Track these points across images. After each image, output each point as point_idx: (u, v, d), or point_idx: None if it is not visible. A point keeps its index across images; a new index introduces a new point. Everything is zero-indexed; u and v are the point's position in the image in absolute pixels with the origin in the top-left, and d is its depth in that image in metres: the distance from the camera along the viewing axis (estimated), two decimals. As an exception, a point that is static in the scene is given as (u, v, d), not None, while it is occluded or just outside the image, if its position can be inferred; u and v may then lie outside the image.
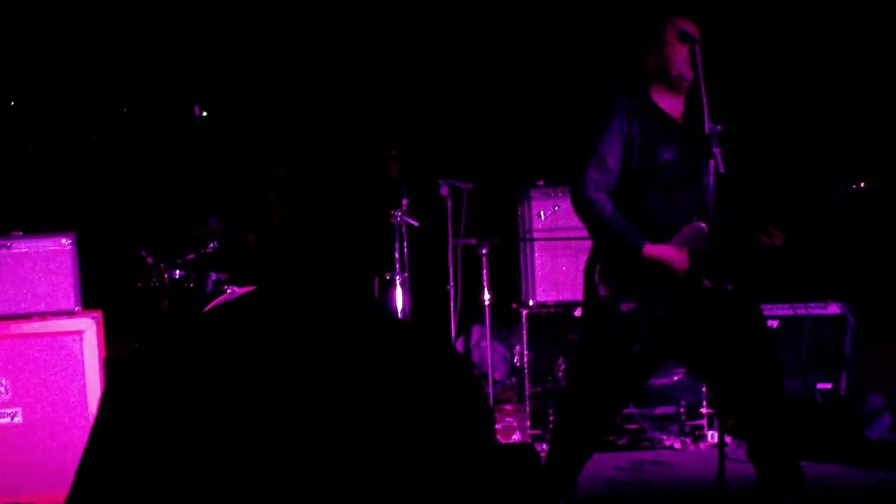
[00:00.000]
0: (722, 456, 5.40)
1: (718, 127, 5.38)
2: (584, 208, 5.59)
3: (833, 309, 7.88)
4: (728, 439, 7.17)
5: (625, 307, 5.53)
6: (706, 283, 5.45)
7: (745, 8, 8.77)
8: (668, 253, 5.47)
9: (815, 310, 7.88)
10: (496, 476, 2.30)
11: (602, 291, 5.58)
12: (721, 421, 5.81)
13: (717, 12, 7.57)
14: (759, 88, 8.65)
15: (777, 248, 5.46)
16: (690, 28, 5.55)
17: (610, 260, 5.59)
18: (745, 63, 8.47)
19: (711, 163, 5.34)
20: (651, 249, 5.45)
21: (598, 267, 5.62)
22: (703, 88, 5.38)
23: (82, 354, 6.68)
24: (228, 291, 7.79)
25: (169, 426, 2.15)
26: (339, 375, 2.20)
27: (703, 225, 5.46)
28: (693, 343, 5.60)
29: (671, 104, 5.65)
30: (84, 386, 6.67)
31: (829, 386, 7.81)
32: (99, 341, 6.77)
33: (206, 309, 7.43)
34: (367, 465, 2.17)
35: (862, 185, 5.39)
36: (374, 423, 2.18)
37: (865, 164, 7.71)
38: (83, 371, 6.68)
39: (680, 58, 5.52)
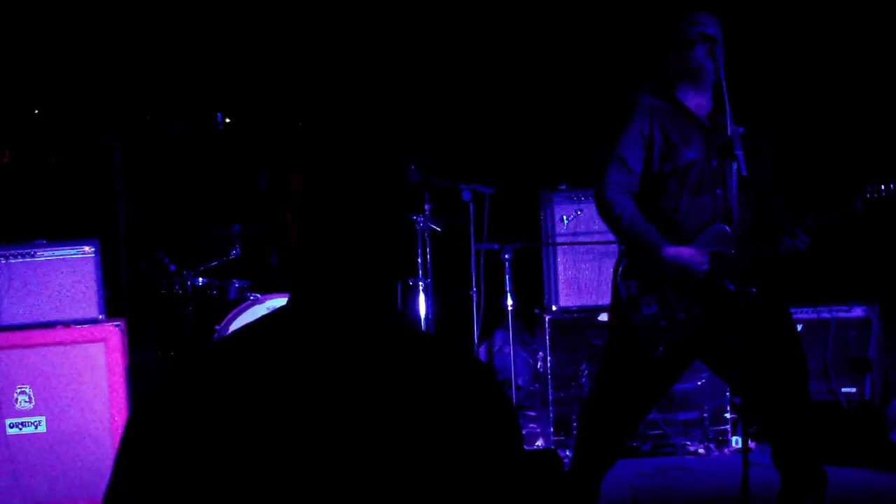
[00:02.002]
0: (746, 461, 5.38)
1: (741, 129, 5.39)
2: (606, 210, 5.60)
3: (857, 312, 7.84)
4: (752, 444, 7.14)
5: (647, 309, 5.54)
6: (729, 285, 5.42)
7: (772, 6, 8.73)
8: (688, 254, 5.47)
9: (840, 313, 7.84)
10: (523, 485, 2.29)
11: (624, 292, 5.58)
12: (745, 426, 5.85)
13: (741, 10, 7.55)
14: (785, 89, 8.61)
15: (801, 252, 5.46)
16: (711, 26, 5.55)
17: (632, 261, 5.60)
18: (770, 62, 8.43)
19: (734, 165, 5.31)
20: (671, 251, 5.46)
21: (621, 266, 5.63)
22: (724, 88, 5.38)
23: (106, 362, 6.68)
24: (251, 298, 7.84)
25: (199, 447, 2.13)
26: (366, 394, 2.18)
27: (727, 227, 5.44)
28: (717, 346, 5.59)
29: (697, 102, 5.63)
30: (108, 394, 6.67)
31: (853, 390, 7.77)
32: (122, 349, 6.76)
33: (234, 327, 7.50)
34: (398, 480, 2.15)
35: (892, 186, 5.37)
36: (403, 439, 2.17)
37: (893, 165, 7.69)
38: (107, 379, 6.67)
39: (699, 52, 5.50)
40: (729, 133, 5.36)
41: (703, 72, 5.54)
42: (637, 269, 5.58)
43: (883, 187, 5.42)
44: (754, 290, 5.43)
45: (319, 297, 2.26)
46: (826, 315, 7.82)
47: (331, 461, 2.12)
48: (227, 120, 7.83)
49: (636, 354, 5.63)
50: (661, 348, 5.53)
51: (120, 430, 6.60)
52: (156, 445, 2.15)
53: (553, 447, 7.49)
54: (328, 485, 2.11)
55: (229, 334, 2.33)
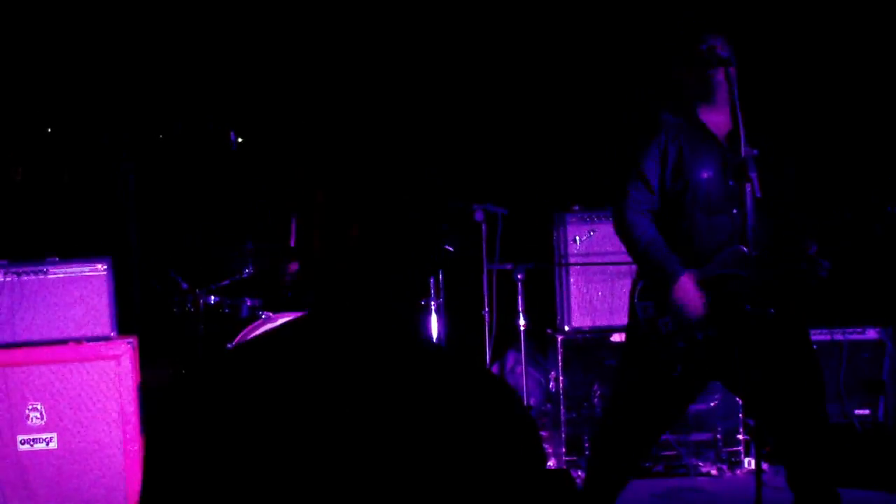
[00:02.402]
0: (759, 483, 5.34)
1: (755, 151, 5.34)
2: (625, 231, 5.58)
3: (871, 334, 7.81)
4: (765, 466, 7.09)
5: (664, 329, 5.50)
6: (747, 307, 5.38)
7: (789, 25, 8.71)
8: (689, 296, 5.42)
9: (853, 335, 7.81)
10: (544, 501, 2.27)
11: (641, 313, 5.55)
12: (758, 448, 5.80)
13: (756, 29, 7.54)
14: (803, 109, 8.58)
15: (822, 279, 5.39)
16: (724, 47, 5.52)
17: (650, 281, 5.56)
18: (788, 82, 8.41)
19: (748, 187, 5.29)
20: (684, 283, 5.42)
21: (638, 287, 5.60)
22: (738, 111, 5.31)
23: (118, 380, 6.69)
24: (263, 317, 7.83)
25: (217, 457, 2.13)
26: (384, 408, 2.17)
27: (744, 248, 5.39)
28: (734, 367, 5.49)
29: (716, 121, 5.57)
30: (120, 412, 6.68)
31: (867, 412, 7.74)
32: (134, 367, 6.77)
33: (249, 338, 7.50)
34: (418, 495, 2.13)
35: None
36: (423, 453, 2.16)
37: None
38: (118, 397, 6.69)
39: (714, 73, 5.48)
40: (743, 155, 5.32)
41: (719, 91, 5.51)
42: (654, 289, 5.54)
43: None
44: (772, 310, 5.39)
45: (340, 309, 2.27)
46: (840, 337, 7.79)
47: (347, 473, 2.11)
48: (241, 139, 7.84)
49: (653, 375, 5.58)
50: (678, 369, 5.49)
51: (131, 448, 6.64)
52: (178, 451, 2.15)
53: (565, 467, 7.46)
54: (342, 495, 2.10)
55: (248, 340, 2.33)
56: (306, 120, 9.06)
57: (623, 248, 5.72)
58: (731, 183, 5.47)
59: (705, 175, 5.52)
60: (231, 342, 7.69)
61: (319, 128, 2.36)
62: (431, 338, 7.93)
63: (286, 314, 7.76)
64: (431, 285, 8.10)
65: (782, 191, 5.53)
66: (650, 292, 5.55)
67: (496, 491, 2.19)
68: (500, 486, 2.19)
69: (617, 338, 7.58)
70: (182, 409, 2.20)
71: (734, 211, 5.47)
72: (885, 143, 8.65)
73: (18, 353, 6.70)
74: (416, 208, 2.32)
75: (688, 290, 5.41)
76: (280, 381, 2.18)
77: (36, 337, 6.78)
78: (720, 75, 5.45)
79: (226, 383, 2.20)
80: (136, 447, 6.68)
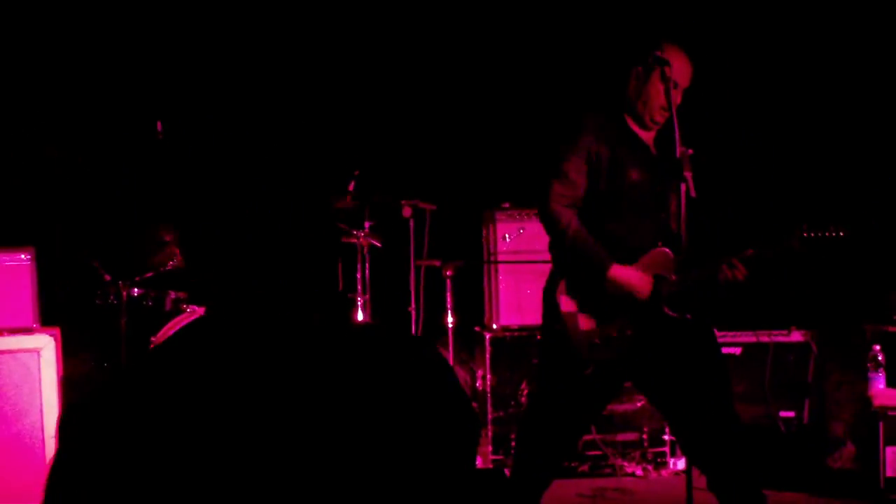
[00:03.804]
0: (690, 484, 5.35)
1: (690, 150, 5.38)
2: (550, 222, 5.55)
3: (796, 336, 7.85)
4: None
5: (582, 325, 5.46)
6: (666, 310, 5.40)
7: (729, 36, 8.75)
8: (636, 278, 5.43)
9: (779, 337, 7.85)
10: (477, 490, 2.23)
11: (563, 306, 5.51)
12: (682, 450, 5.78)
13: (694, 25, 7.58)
14: (737, 120, 8.63)
15: (738, 282, 5.39)
16: (677, 60, 5.51)
17: (572, 276, 5.53)
18: (725, 95, 8.44)
19: (683, 186, 5.30)
20: (617, 270, 5.41)
21: (562, 282, 5.55)
22: (674, 116, 5.37)
23: (40, 372, 6.59)
24: (188, 310, 7.76)
25: (138, 462, 2.05)
26: (313, 389, 2.11)
27: (669, 251, 5.42)
28: (648, 369, 5.56)
29: (644, 133, 5.63)
30: (41, 405, 6.58)
31: (792, 414, 7.76)
32: (57, 359, 6.67)
33: (163, 338, 7.41)
34: (354, 478, 2.10)
35: (830, 230, 5.37)
36: (359, 434, 2.09)
37: (830, 207, 7.72)
38: (40, 389, 6.59)
39: (657, 101, 5.50)
40: (678, 154, 5.33)
41: (653, 120, 5.54)
42: (576, 284, 5.52)
43: (822, 231, 5.40)
44: (689, 316, 5.42)
45: (245, 301, 2.19)
46: (766, 339, 7.82)
47: (271, 463, 2.03)
48: (164, 129, 7.73)
49: (568, 372, 5.56)
50: (591, 366, 5.46)
51: (50, 436, 6.54)
52: (91, 470, 2.06)
53: (492, 467, 7.44)
54: (265, 483, 2.06)
55: (161, 345, 2.25)
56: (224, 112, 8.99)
57: None
58: (657, 188, 5.50)
59: (635, 178, 5.53)
60: (155, 335, 7.60)
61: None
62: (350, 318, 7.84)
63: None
64: (358, 280, 8.06)
65: (713, 192, 5.58)
66: (572, 287, 5.52)
67: (423, 476, 2.16)
68: (429, 471, 2.16)
69: None
70: (100, 421, 2.13)
71: (661, 215, 5.51)
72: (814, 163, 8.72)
73: (-62, 344, 6.56)
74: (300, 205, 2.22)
75: (629, 273, 5.42)
76: (200, 381, 2.10)
77: (-44, 327, 6.63)
78: (662, 95, 5.48)
79: (145, 390, 2.13)
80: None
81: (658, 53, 5.49)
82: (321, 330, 2.18)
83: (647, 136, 5.64)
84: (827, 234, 5.40)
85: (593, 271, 5.44)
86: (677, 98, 5.49)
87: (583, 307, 5.49)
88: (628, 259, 5.47)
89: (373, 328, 2.31)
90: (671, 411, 5.72)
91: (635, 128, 5.63)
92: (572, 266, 5.55)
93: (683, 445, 5.97)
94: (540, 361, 5.93)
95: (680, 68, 5.52)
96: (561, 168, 5.54)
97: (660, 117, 5.53)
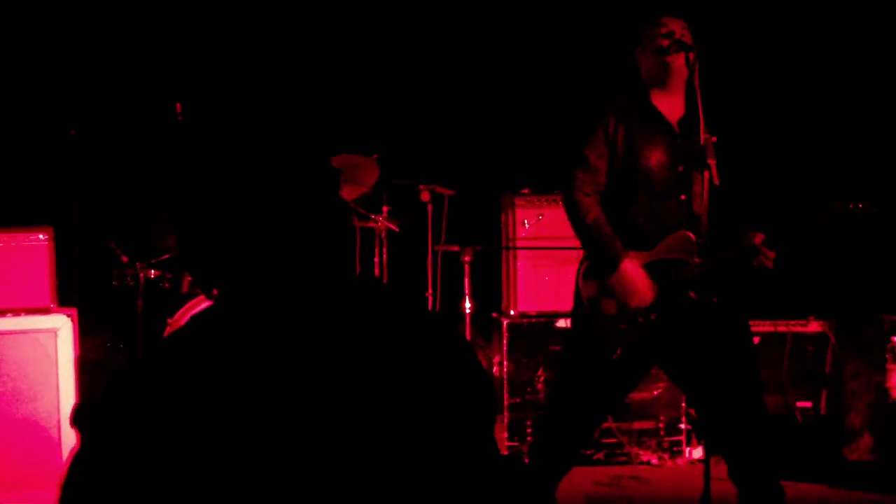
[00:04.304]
0: (708, 473, 5.31)
1: (714, 137, 5.30)
2: (571, 210, 5.54)
3: (814, 326, 7.79)
4: (704, 456, 7.01)
5: (606, 311, 5.44)
6: (691, 294, 5.36)
7: (745, 13, 8.68)
8: (639, 280, 5.39)
9: (796, 327, 7.80)
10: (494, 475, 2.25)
11: (584, 293, 5.50)
12: (707, 438, 5.75)
13: (714, 15, 7.50)
14: (761, 98, 8.54)
15: (766, 268, 5.34)
16: (684, 31, 5.47)
17: (594, 262, 5.52)
18: (748, 71, 8.36)
19: (706, 174, 5.24)
20: (627, 268, 5.38)
21: (586, 267, 5.55)
22: (698, 97, 5.29)
23: (56, 353, 6.57)
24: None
25: (163, 449, 2.06)
26: (338, 370, 2.13)
27: (691, 234, 5.37)
28: (675, 354, 5.51)
29: (669, 105, 5.54)
30: (58, 385, 6.56)
31: (808, 404, 7.72)
32: (74, 340, 6.66)
33: (179, 320, 7.40)
34: (375, 464, 2.11)
35: (860, 206, 5.31)
36: (379, 416, 2.13)
37: (862, 184, 7.66)
38: (56, 370, 6.57)
39: (671, 58, 5.44)
40: (702, 142, 5.28)
41: (675, 77, 5.47)
42: (598, 270, 5.49)
43: (852, 206, 5.32)
44: (715, 299, 5.33)
45: (260, 287, 2.24)
46: (783, 329, 7.78)
47: (298, 442, 2.06)
48: (183, 110, 7.70)
49: (593, 357, 5.52)
50: (618, 351, 5.42)
51: (67, 417, 6.52)
52: (115, 457, 2.06)
53: (507, 453, 7.42)
54: (296, 461, 2.05)
55: (176, 333, 2.25)
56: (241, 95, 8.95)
57: (571, 233, 5.68)
58: (679, 169, 5.45)
59: (655, 159, 5.48)
60: (171, 317, 7.61)
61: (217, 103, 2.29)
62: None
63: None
64: (375, 265, 8.05)
65: (736, 178, 5.47)
66: (595, 272, 5.50)
67: (446, 462, 2.15)
68: (449, 457, 2.17)
69: (563, 323, 7.54)
70: (128, 403, 2.11)
71: (682, 197, 5.45)
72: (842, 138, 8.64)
73: (-45, 323, 6.54)
74: (318, 185, 2.30)
75: (632, 276, 5.37)
76: (224, 364, 2.11)
77: (-26, 306, 6.62)
78: (679, 61, 5.42)
79: (166, 379, 2.12)
80: (73, 421, 6.53)
81: (663, 31, 5.45)
82: (342, 313, 2.21)
83: (675, 107, 5.56)
84: (859, 209, 5.30)
85: (605, 264, 5.43)
86: (678, 60, 5.41)
87: (605, 293, 5.46)
88: (650, 242, 5.44)
89: (393, 306, 2.32)
90: (696, 396, 5.71)
91: (661, 101, 5.56)
92: (590, 255, 5.54)
93: (707, 431, 5.89)
94: (564, 345, 5.89)
95: (685, 32, 5.47)
96: (583, 154, 5.53)
97: (679, 81, 5.47)
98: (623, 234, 5.45)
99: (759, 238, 5.35)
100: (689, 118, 5.48)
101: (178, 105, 7.65)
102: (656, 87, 5.55)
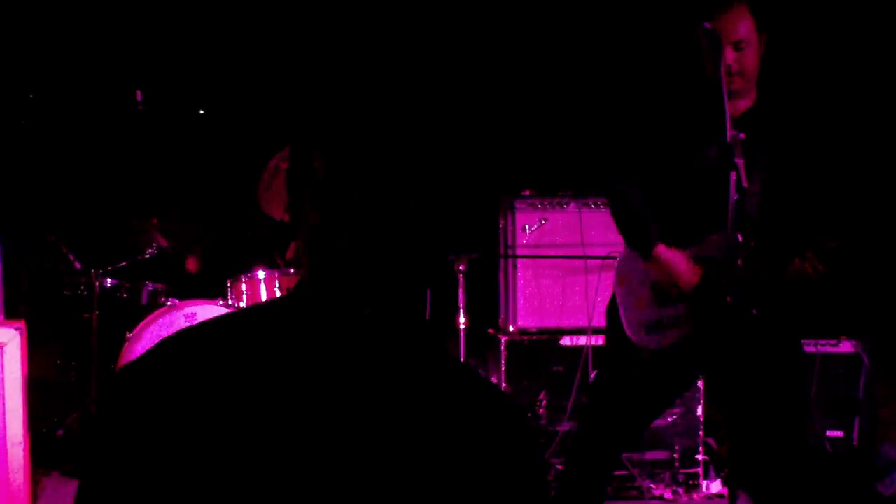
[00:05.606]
0: None
1: (742, 135, 4.88)
2: (609, 195, 5.41)
3: (846, 347, 7.41)
4: (723, 490, 6.88)
5: (639, 307, 5.20)
6: (729, 299, 4.92)
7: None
8: (681, 264, 5.07)
9: (826, 347, 7.39)
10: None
11: (621, 289, 5.26)
12: (730, 468, 5.46)
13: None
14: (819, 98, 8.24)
15: (811, 279, 4.99)
16: (716, 23, 5.08)
17: (628, 255, 5.27)
18: (805, 72, 8.01)
19: (733, 175, 4.81)
20: (663, 252, 5.06)
21: (621, 262, 5.32)
22: (724, 91, 4.88)
23: (3, 369, 6.10)
24: (168, 304, 7.39)
25: (180, 443, 1.94)
26: (372, 409, 2.01)
27: (738, 235, 4.97)
28: (712, 365, 5.20)
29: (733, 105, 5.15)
30: (3, 404, 6.08)
31: (840, 434, 7.36)
32: (22, 355, 6.18)
33: (149, 336, 6.96)
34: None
35: None
36: (412, 463, 2.00)
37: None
38: (3, 388, 6.09)
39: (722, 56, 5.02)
40: (728, 139, 4.85)
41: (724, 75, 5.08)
42: (630, 265, 5.23)
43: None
44: (755, 311, 4.98)
45: (330, 287, 2.13)
46: (812, 349, 7.35)
47: (316, 464, 1.98)
48: (146, 99, 7.33)
49: (626, 356, 5.24)
50: (648, 352, 5.13)
51: (16, 444, 6.00)
52: (135, 443, 1.97)
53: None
54: (313, 487, 1.97)
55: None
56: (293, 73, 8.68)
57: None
58: (729, 167, 5.02)
59: (706, 156, 5.12)
60: (131, 331, 7.27)
61: (313, 93, 2.17)
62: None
63: (195, 302, 7.26)
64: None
65: (789, 182, 5.17)
66: (628, 266, 5.28)
67: None
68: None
69: (567, 341, 7.22)
70: (144, 398, 2.00)
71: (734, 196, 4.97)
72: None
73: None
74: (423, 188, 2.21)
75: (675, 259, 5.08)
76: (253, 362, 2.02)
77: None
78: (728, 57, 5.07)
79: (197, 363, 2.03)
80: (22, 444, 6.12)
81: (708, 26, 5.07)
82: (394, 343, 2.10)
83: (737, 103, 5.17)
84: None
85: (638, 249, 5.15)
86: (729, 55, 5.06)
87: (637, 290, 5.20)
88: (692, 240, 5.12)
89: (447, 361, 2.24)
90: (729, 418, 5.40)
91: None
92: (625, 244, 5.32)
93: (734, 460, 5.46)
94: (605, 344, 5.61)
95: (720, 28, 5.10)
96: (626, 143, 5.31)
97: (732, 85, 5.09)
98: (666, 232, 5.17)
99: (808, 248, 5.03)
100: (755, 115, 5.21)
101: (139, 93, 7.23)
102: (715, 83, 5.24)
